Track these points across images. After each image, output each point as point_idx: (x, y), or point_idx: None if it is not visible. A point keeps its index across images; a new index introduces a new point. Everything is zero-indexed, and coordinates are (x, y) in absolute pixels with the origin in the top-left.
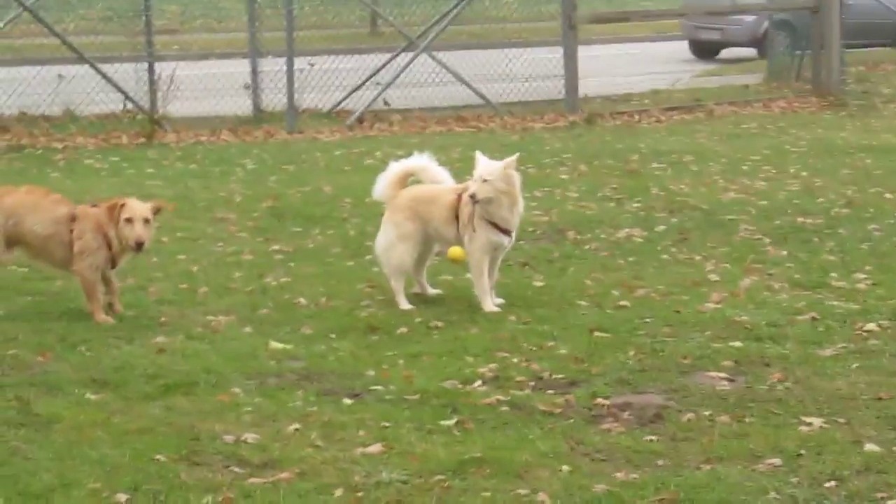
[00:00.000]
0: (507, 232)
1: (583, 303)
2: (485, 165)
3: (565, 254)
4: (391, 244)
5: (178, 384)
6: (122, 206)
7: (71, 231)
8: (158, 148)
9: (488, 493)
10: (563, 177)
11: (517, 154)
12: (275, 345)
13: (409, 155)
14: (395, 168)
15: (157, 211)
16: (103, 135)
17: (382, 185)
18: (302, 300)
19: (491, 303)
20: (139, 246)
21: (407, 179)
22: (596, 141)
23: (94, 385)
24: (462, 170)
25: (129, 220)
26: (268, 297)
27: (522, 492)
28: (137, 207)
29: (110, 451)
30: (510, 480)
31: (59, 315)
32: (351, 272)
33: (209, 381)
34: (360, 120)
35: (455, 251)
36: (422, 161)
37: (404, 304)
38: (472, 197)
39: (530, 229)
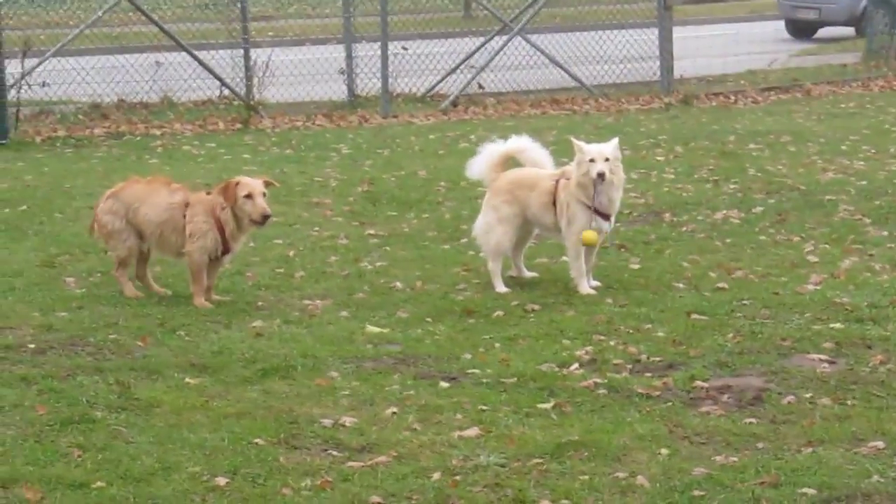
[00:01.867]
0: (606, 216)
1: (680, 285)
2: (601, 146)
3: (662, 236)
4: (490, 227)
5: (276, 368)
6: (238, 183)
7: (184, 216)
8: (254, 133)
9: (586, 477)
10: (659, 159)
11: (617, 137)
12: (371, 328)
13: (504, 138)
14: (495, 150)
15: (267, 185)
16: (200, 121)
17: (481, 166)
18: (398, 284)
19: (587, 286)
20: (265, 219)
21: (507, 161)
22: (692, 122)
23: (193, 369)
24: (558, 152)
25: (248, 196)
26: (364, 281)
27: (621, 475)
28: (253, 183)
29: (209, 435)
30: (608, 463)
31: (158, 300)
32: (446, 256)
33: (306, 365)
34: (455, 104)
35: (588, 235)
36: (522, 143)
37: (500, 287)
38: (601, 176)
39: (626, 212)
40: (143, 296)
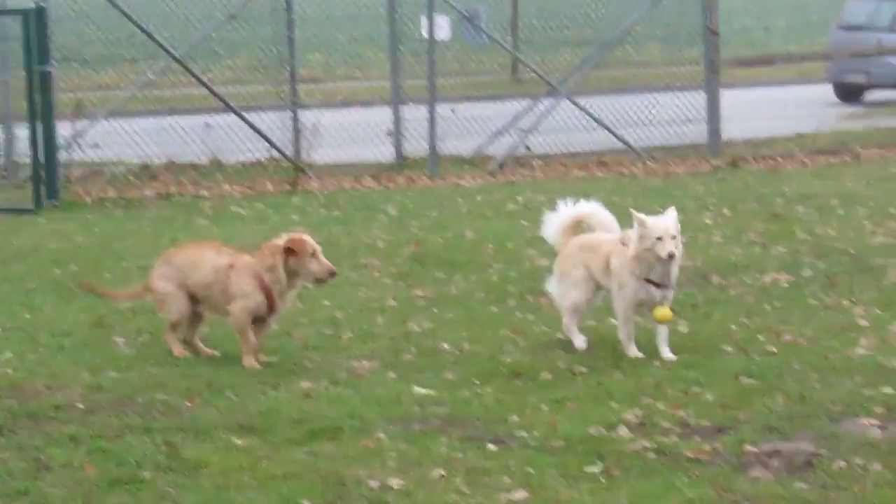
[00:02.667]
0: (658, 285)
1: (728, 348)
2: (666, 222)
3: (710, 299)
4: (564, 290)
5: (324, 429)
6: (302, 240)
7: (229, 278)
8: (302, 195)
9: None
10: (707, 221)
11: (673, 207)
12: (418, 390)
13: (551, 201)
14: (565, 214)
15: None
16: (249, 182)
17: (553, 230)
18: (445, 345)
19: (634, 349)
20: (332, 275)
21: (577, 226)
22: (739, 185)
23: (240, 430)
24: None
25: (313, 255)
26: (411, 343)
27: None
28: (311, 240)
29: (257, 496)
30: None
31: (205, 360)
32: (494, 317)
33: (354, 427)
34: (502, 165)
35: (659, 312)
36: (590, 207)
37: (579, 342)
38: (672, 256)
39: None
40: (189, 356)
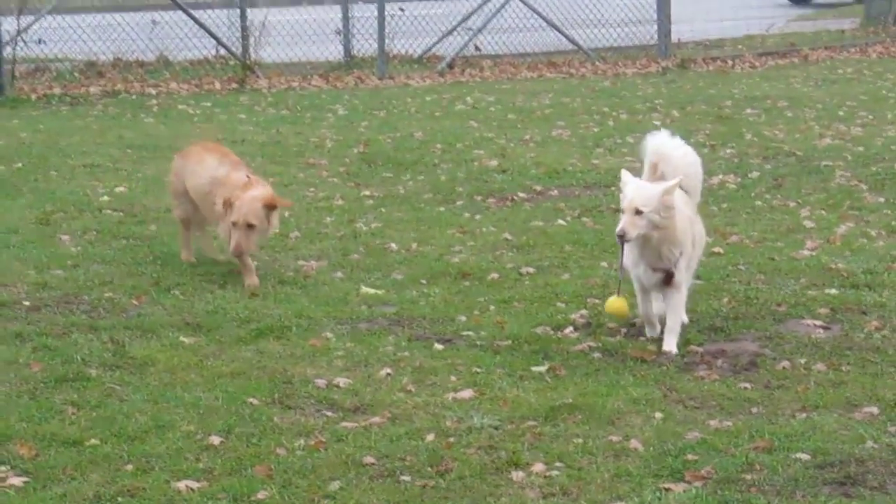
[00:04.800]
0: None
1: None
2: (639, 191)
3: None
4: None
5: (271, 328)
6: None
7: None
8: (250, 94)
9: (580, 440)
10: (656, 123)
11: (678, 178)
12: (366, 290)
13: (498, 101)
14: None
15: (270, 207)
16: (196, 80)
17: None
18: (393, 245)
19: (651, 330)
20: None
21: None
22: (688, 87)
23: (187, 328)
24: (553, 116)
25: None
26: (359, 243)
27: (615, 438)
28: (246, 208)
29: (204, 394)
30: (602, 427)
31: (153, 259)
32: (442, 218)
33: (301, 326)
34: (451, 66)
35: (612, 304)
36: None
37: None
38: (621, 236)
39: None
40: (194, 261)
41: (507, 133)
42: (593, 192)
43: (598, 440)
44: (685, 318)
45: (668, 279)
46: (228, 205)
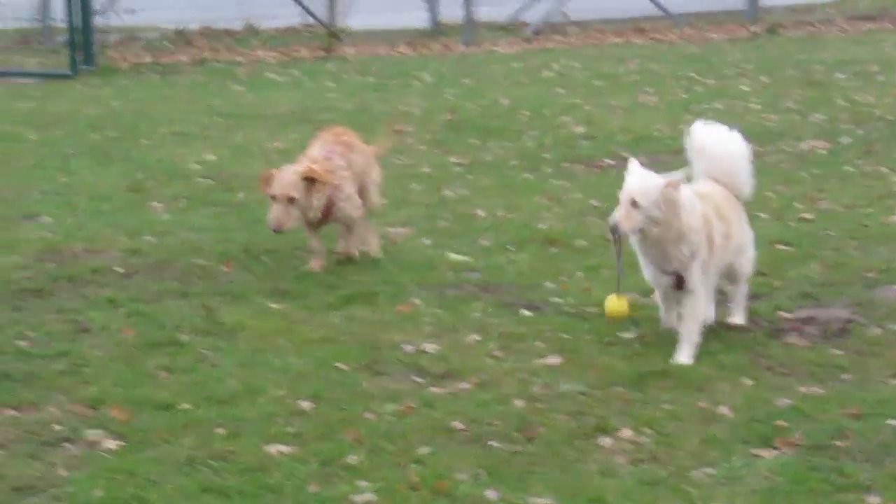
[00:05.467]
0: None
1: (764, 215)
2: (638, 181)
3: None
4: None
5: (359, 295)
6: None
7: None
8: (337, 61)
9: (669, 406)
10: (744, 88)
11: (683, 170)
12: (453, 256)
13: (585, 68)
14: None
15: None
16: (283, 48)
17: None
18: (480, 212)
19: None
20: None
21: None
22: (778, 52)
23: (276, 295)
24: (641, 83)
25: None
26: (446, 210)
27: (703, 404)
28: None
29: (294, 360)
30: (690, 393)
31: (242, 226)
32: (528, 185)
33: (389, 292)
34: (538, 32)
35: (611, 304)
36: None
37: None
38: (613, 230)
39: None
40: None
41: (594, 99)
42: (681, 158)
43: (686, 406)
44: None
45: (679, 283)
46: (268, 179)
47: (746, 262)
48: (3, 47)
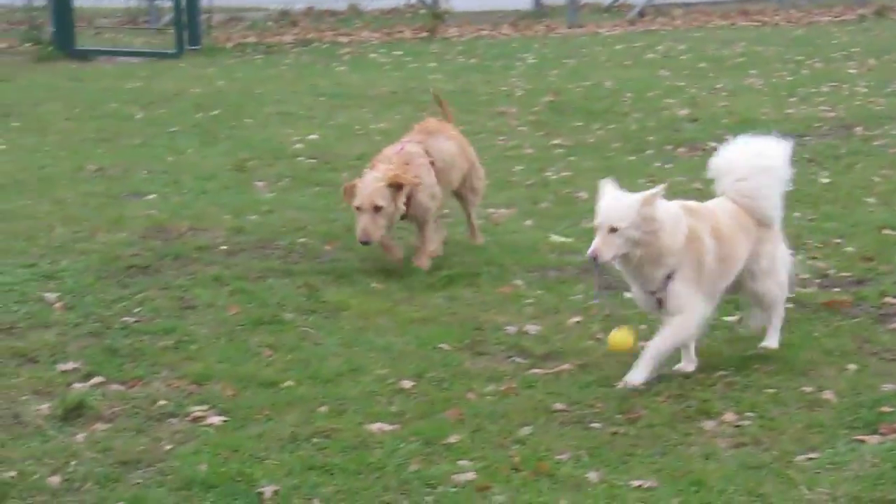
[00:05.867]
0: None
1: (871, 200)
2: (612, 204)
3: (853, 150)
4: None
5: (461, 275)
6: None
7: None
8: (440, 42)
9: (772, 390)
10: (851, 71)
11: (663, 184)
12: (555, 238)
13: (689, 50)
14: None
15: (395, 186)
16: (387, 29)
17: None
18: (582, 194)
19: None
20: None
21: None
22: (886, 35)
23: (379, 274)
24: (744, 64)
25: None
26: (548, 191)
27: (807, 389)
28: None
29: (396, 339)
30: (794, 378)
31: (345, 205)
32: (631, 167)
33: (491, 273)
34: (642, 14)
35: (615, 338)
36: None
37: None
38: (594, 258)
39: (816, 125)
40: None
41: (698, 82)
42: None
43: (790, 391)
44: (690, 365)
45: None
46: (351, 190)
47: (775, 286)
48: (110, 27)
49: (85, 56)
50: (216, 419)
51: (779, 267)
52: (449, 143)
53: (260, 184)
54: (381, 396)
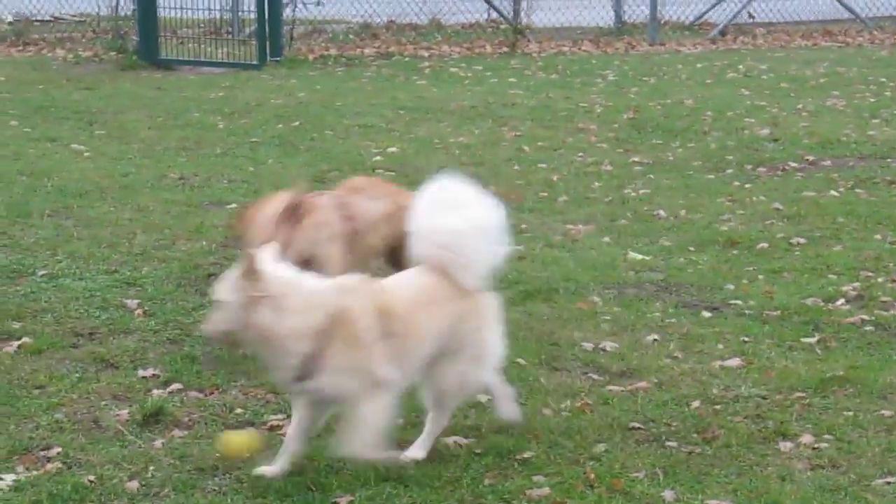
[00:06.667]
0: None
1: None
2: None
3: None
4: None
5: (538, 290)
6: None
7: None
8: (521, 57)
9: (850, 413)
10: None
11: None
12: (634, 255)
13: (771, 70)
14: None
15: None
16: (467, 44)
17: None
18: (661, 212)
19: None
20: None
21: None
22: None
23: None
24: (826, 85)
25: None
26: (627, 208)
27: (887, 413)
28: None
29: None
30: (874, 401)
31: None
32: (711, 186)
33: (568, 289)
34: (723, 33)
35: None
36: None
37: None
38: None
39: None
40: None
41: (780, 102)
42: (868, 164)
43: (869, 414)
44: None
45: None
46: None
47: (456, 379)
48: (194, 37)
49: (168, 66)
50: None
51: (474, 356)
52: (375, 203)
53: None
54: (457, 410)
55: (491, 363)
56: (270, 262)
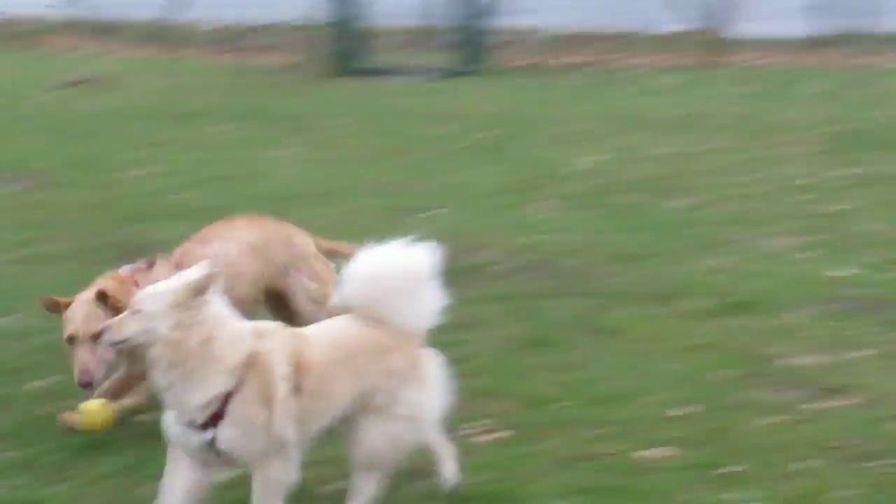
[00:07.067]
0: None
1: None
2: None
3: None
4: None
5: (740, 303)
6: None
7: None
8: (722, 68)
9: None
10: None
11: (205, 265)
12: (836, 271)
13: None
14: None
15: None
16: (668, 54)
17: None
18: (865, 227)
19: None
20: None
21: None
22: None
23: (655, 299)
24: None
25: None
26: (830, 222)
27: None
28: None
29: (672, 365)
30: None
31: (627, 228)
32: None
33: (770, 303)
34: None
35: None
36: None
37: None
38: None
39: None
40: None
41: None
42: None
43: None
44: None
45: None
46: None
47: (384, 439)
48: (394, 45)
49: (369, 73)
50: (489, 436)
51: (406, 416)
52: (228, 245)
53: (540, 204)
54: (656, 422)
55: (428, 421)
56: (212, 287)
